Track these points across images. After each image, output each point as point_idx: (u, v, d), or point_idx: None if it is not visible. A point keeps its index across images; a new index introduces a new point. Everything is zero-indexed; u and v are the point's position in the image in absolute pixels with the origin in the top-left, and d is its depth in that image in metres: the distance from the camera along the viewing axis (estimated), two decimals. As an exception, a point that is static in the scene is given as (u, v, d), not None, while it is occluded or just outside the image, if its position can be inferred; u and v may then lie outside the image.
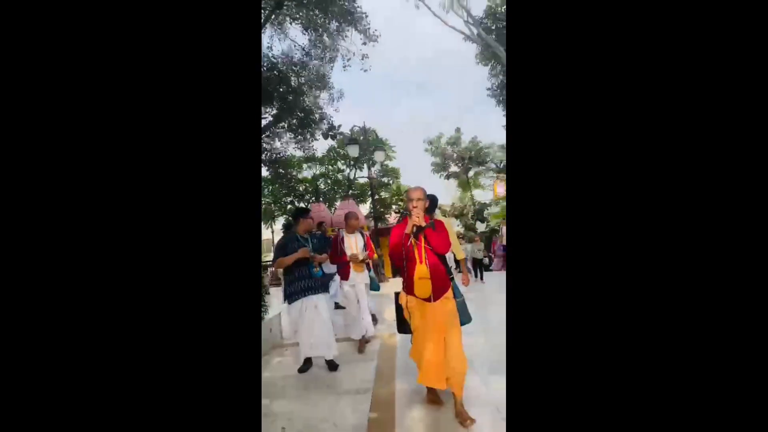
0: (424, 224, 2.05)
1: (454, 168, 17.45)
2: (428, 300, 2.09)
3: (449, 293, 2.15)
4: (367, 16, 7.85)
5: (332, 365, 3.04)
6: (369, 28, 7.92)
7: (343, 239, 3.52)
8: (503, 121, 10.87)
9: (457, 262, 2.83)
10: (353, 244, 3.51)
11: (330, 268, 3.69)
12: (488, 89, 11.83)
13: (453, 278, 2.20)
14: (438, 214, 2.79)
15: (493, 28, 10.18)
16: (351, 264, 3.47)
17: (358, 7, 7.70)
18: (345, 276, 3.52)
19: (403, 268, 2.17)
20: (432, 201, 2.67)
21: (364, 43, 7.97)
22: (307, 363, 3.09)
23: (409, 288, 2.14)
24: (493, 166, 16.70)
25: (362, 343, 3.45)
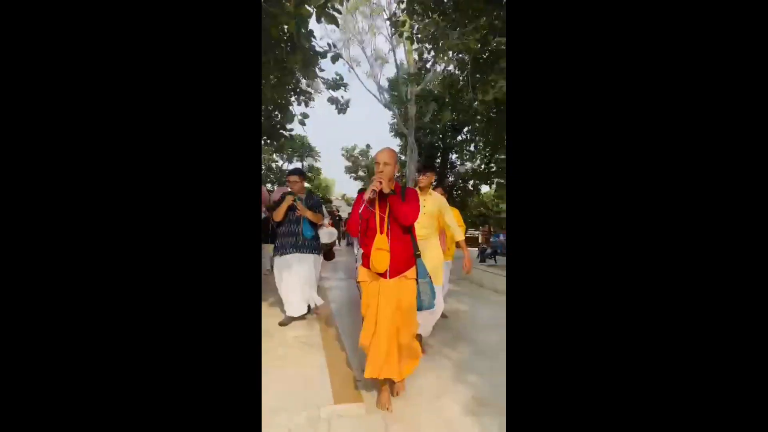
0: (386, 190, 1.81)
1: (361, 172, 22.83)
2: (384, 276, 1.84)
3: (410, 272, 1.90)
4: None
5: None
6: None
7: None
8: (397, 148, 16.45)
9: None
10: None
11: (326, 237, 3.51)
12: (390, 125, 17.30)
13: (419, 256, 1.95)
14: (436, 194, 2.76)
15: (394, 93, 15.63)
16: None
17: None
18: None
19: (360, 237, 1.94)
20: (426, 167, 2.71)
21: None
22: (289, 318, 3.27)
23: (365, 260, 1.90)
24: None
25: None
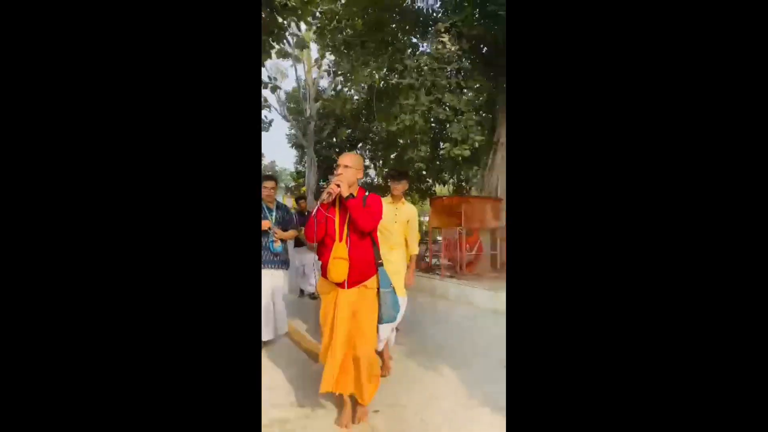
0: (345, 193, 1.75)
1: (254, 181, 22.55)
2: (342, 285, 1.76)
3: (371, 282, 1.81)
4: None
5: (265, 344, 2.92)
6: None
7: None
8: (294, 158, 16.81)
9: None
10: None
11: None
12: (287, 136, 17.59)
13: (382, 264, 1.86)
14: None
15: (291, 105, 16.14)
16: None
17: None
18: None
19: (318, 245, 1.86)
20: (400, 174, 2.59)
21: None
22: None
23: (323, 269, 1.80)
24: (284, 185, 22.55)
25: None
